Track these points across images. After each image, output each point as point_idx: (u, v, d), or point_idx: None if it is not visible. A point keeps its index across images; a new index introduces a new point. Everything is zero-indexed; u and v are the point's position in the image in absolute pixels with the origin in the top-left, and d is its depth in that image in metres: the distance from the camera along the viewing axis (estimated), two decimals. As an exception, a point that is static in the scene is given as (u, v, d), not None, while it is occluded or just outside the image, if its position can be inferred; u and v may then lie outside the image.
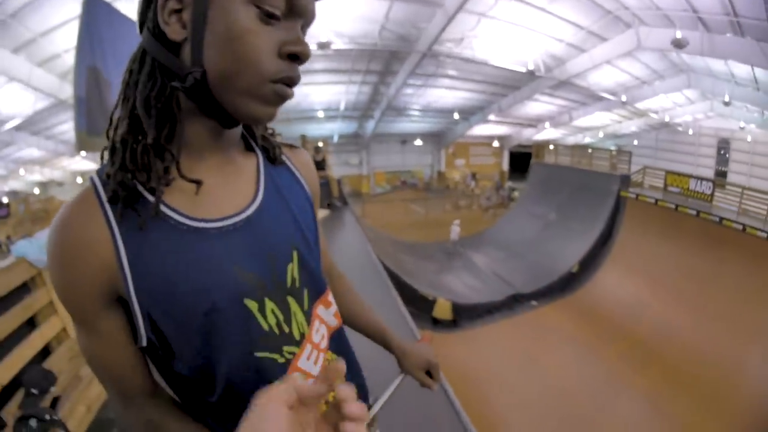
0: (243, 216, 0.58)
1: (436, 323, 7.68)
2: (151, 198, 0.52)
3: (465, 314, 7.97)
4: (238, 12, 0.49)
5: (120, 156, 0.53)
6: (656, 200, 8.94)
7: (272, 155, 0.67)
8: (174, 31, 0.51)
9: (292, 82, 0.53)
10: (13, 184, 21.99)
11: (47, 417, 1.90)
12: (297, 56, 0.52)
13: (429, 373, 0.92)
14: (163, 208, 0.53)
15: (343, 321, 0.79)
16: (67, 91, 9.82)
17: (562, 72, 13.77)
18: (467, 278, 9.93)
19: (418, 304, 7.45)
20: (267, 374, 0.59)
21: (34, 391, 1.99)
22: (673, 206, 8.53)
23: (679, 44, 9.66)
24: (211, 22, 0.49)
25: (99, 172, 0.55)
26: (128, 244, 0.52)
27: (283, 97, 0.54)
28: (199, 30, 0.50)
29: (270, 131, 0.70)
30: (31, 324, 2.38)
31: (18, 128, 14.00)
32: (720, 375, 5.95)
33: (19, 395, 2.00)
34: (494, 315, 8.26)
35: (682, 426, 5.37)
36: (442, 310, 7.80)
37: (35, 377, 2.05)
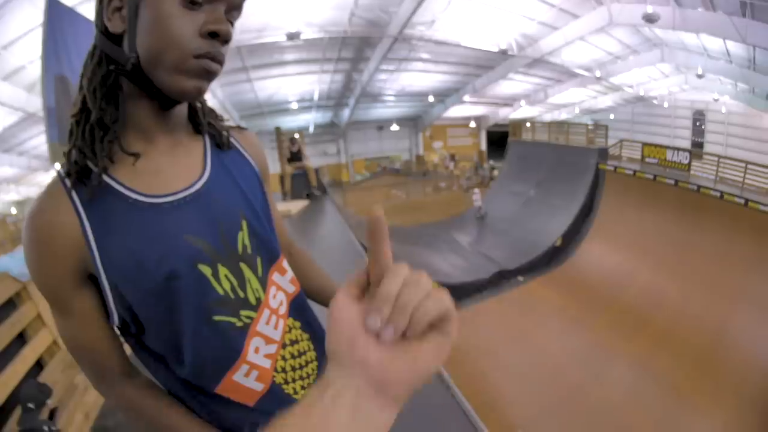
0: (192, 190, 0.64)
1: (424, 305, 7.76)
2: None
3: (452, 294, 7.71)
4: (163, 1, 0.55)
5: (73, 136, 0.60)
6: (634, 171, 9.10)
7: (220, 141, 0.72)
8: (115, 25, 0.58)
9: (214, 57, 0.58)
10: (-13, 204, 21.29)
11: (46, 429, 1.92)
12: (216, 33, 0.57)
13: None
14: (121, 188, 0.60)
15: (307, 296, 0.85)
16: (35, 104, 9.51)
17: (535, 50, 13.83)
18: (453, 258, 10.00)
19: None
20: (227, 338, 0.65)
21: (30, 405, 1.99)
22: (651, 177, 8.70)
23: (650, 18, 9.82)
24: (142, 14, 0.56)
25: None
26: (93, 223, 0.58)
27: (208, 71, 0.59)
28: (133, 21, 0.57)
29: (219, 118, 0.76)
30: (21, 339, 2.36)
31: (-13, 147, 13.65)
32: (707, 336, 6.17)
33: (17, 412, 2.00)
34: (482, 293, 8.35)
35: (675, 387, 5.56)
36: (429, 291, 7.86)
37: (31, 392, 2.04)
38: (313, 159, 9.14)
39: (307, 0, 10.31)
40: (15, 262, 2.55)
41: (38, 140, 13.60)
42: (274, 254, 0.74)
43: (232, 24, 0.62)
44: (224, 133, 0.73)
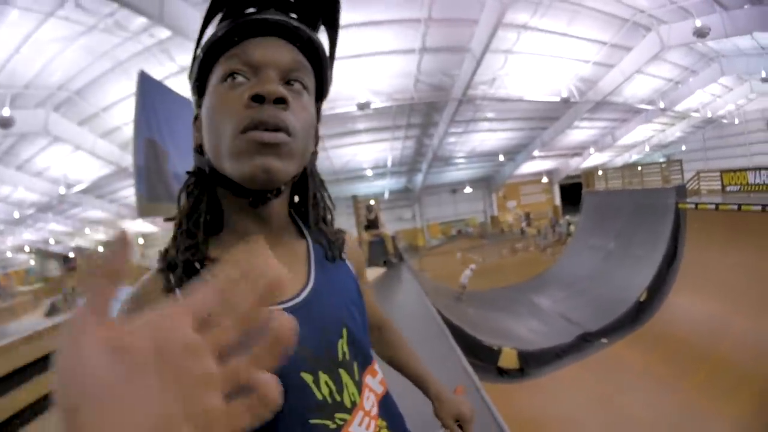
0: (299, 299, 0.64)
1: (502, 373, 7.26)
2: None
3: (532, 361, 7.53)
4: (213, 93, 0.56)
5: (175, 239, 0.62)
6: (716, 205, 8.25)
7: (328, 254, 0.72)
8: (197, 137, 0.62)
9: (262, 123, 0.52)
10: (79, 241, 24.14)
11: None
12: (261, 96, 0.52)
13: (461, 427, 0.93)
14: None
15: (391, 365, 0.86)
16: (127, 160, 10.76)
17: (596, 93, 13.73)
18: (532, 323, 9.49)
19: (482, 355, 7.12)
20: None
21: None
22: (735, 207, 7.81)
23: (701, 33, 9.41)
24: (203, 116, 0.58)
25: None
26: None
27: (262, 142, 0.53)
28: (200, 128, 0.60)
29: (335, 230, 0.76)
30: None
31: (84, 191, 15.75)
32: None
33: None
34: (563, 359, 7.75)
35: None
36: (508, 359, 7.40)
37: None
38: (388, 224, 9.19)
39: (373, 71, 10.94)
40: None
41: (127, 192, 15.48)
42: (368, 358, 0.75)
43: (301, 84, 0.59)
44: (334, 246, 0.73)
